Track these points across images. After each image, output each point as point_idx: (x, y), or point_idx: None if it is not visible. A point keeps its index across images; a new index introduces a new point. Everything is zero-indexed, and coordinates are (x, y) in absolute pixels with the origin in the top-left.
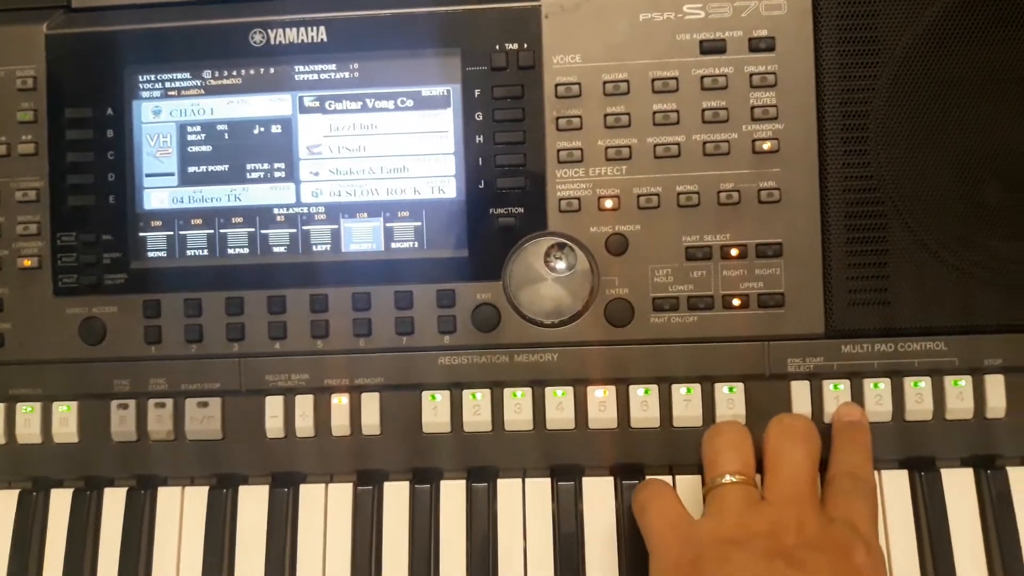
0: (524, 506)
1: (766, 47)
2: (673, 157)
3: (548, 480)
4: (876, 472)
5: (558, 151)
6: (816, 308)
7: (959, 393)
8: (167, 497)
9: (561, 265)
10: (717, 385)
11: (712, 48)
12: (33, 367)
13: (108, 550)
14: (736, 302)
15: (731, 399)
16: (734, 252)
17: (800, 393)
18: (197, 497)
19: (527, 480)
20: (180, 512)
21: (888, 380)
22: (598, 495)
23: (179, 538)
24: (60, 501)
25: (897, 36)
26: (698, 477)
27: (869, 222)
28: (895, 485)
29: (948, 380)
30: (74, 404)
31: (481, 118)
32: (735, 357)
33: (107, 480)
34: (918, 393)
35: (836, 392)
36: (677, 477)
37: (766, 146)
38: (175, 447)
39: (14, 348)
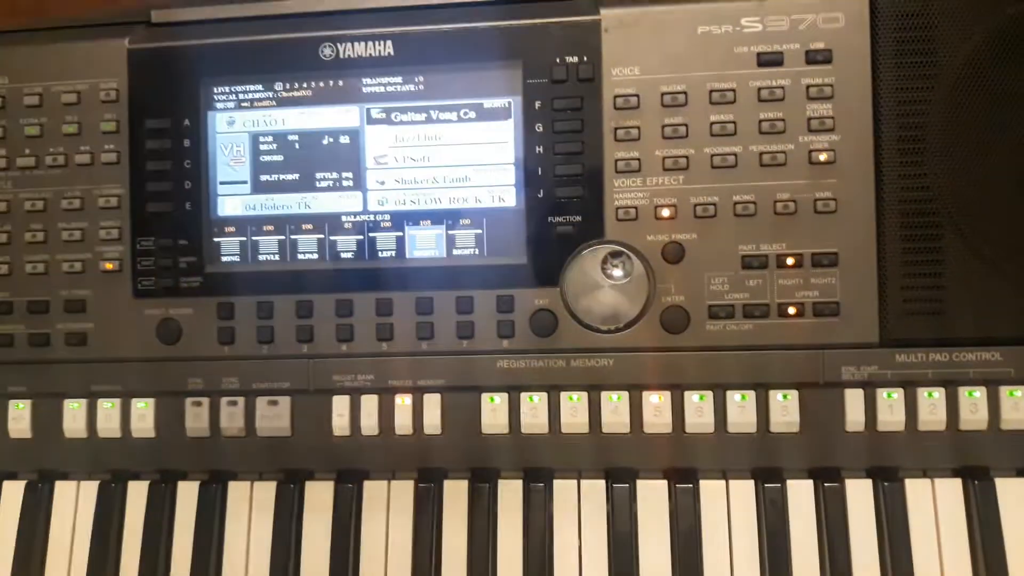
0: (579, 507)
1: (823, 59)
2: (730, 167)
3: (603, 482)
4: (929, 480)
5: (616, 161)
6: (871, 317)
7: (1015, 404)
8: (237, 491)
9: (618, 272)
10: (771, 392)
11: (769, 60)
12: (113, 365)
13: (182, 541)
14: (791, 310)
15: (785, 406)
16: (790, 261)
17: (854, 401)
18: (266, 491)
19: (582, 481)
20: (249, 505)
21: (943, 389)
22: (652, 498)
23: (248, 530)
24: (137, 493)
25: (955, 48)
26: (751, 482)
27: (925, 232)
28: (948, 494)
29: (1003, 390)
30: (151, 401)
31: (541, 129)
32: (790, 365)
33: (181, 474)
34: (973, 403)
35: (890, 401)
36: (731, 482)
37: (822, 157)
38: (245, 443)
39: (96, 347)
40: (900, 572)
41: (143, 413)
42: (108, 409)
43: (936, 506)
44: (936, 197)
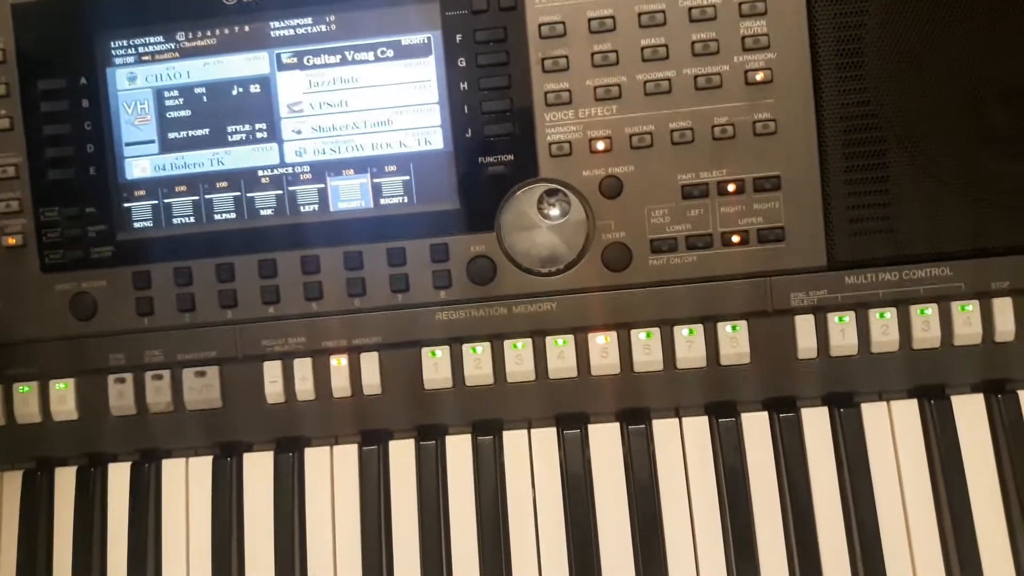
0: (531, 457)
1: None
2: (664, 93)
3: (554, 430)
4: (885, 403)
5: (545, 93)
6: (817, 240)
7: (967, 318)
8: (172, 469)
9: (555, 212)
10: (720, 324)
11: None
12: (26, 346)
13: (117, 525)
14: (736, 239)
15: (735, 338)
16: (731, 188)
17: (805, 327)
18: (202, 468)
19: (533, 431)
20: (186, 484)
21: (894, 309)
22: (605, 442)
23: (187, 510)
24: (65, 479)
25: None
26: (704, 419)
27: (868, 149)
28: (905, 415)
29: (955, 306)
30: (71, 381)
31: (464, 64)
32: (737, 295)
33: (110, 456)
34: (925, 321)
35: (841, 324)
36: (684, 420)
37: (759, 76)
38: (175, 418)
39: (5, 328)
40: (860, 498)
41: (63, 395)
42: (24, 393)
43: (893, 429)
44: (878, 112)
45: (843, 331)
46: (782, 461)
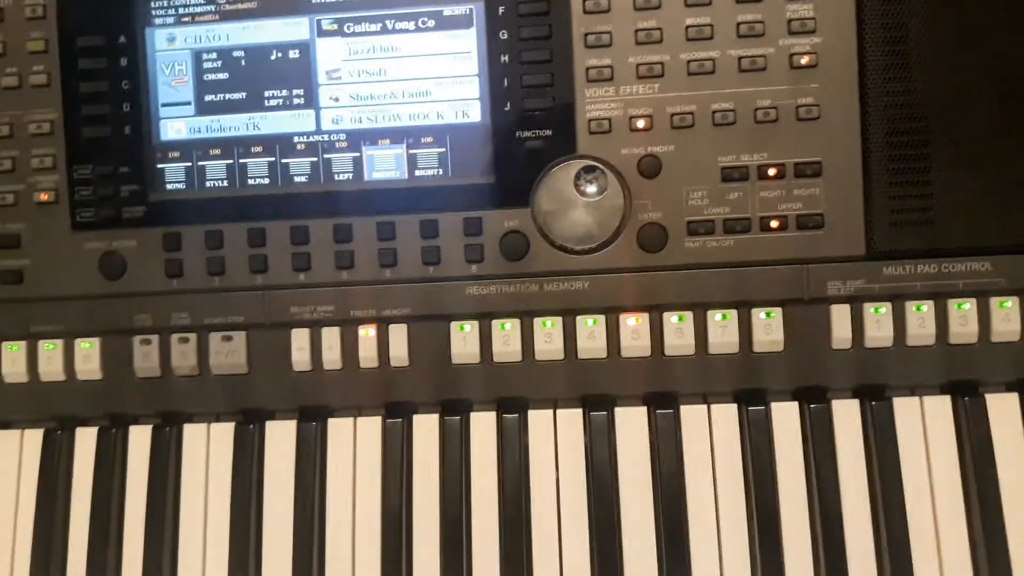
0: (556, 437)
1: None
2: (707, 74)
3: (580, 411)
4: (917, 398)
5: (587, 69)
6: (857, 229)
7: (1005, 314)
8: (193, 434)
9: (591, 189)
10: (754, 310)
11: None
12: (53, 303)
13: (135, 489)
14: (774, 224)
15: (768, 324)
16: (772, 172)
17: (840, 317)
18: (224, 434)
19: (558, 411)
20: (207, 449)
21: (931, 302)
22: (631, 425)
23: (206, 475)
24: (86, 440)
25: None
26: (733, 406)
27: (912, 139)
28: (937, 411)
29: (994, 301)
30: (96, 340)
31: (506, 37)
32: (773, 281)
33: (131, 418)
34: (962, 315)
35: (877, 315)
36: (712, 406)
37: (804, 60)
38: (200, 382)
39: (33, 285)
40: (889, 493)
41: (88, 354)
42: (49, 351)
43: (925, 424)
44: (923, 102)
45: (879, 322)
46: (810, 452)
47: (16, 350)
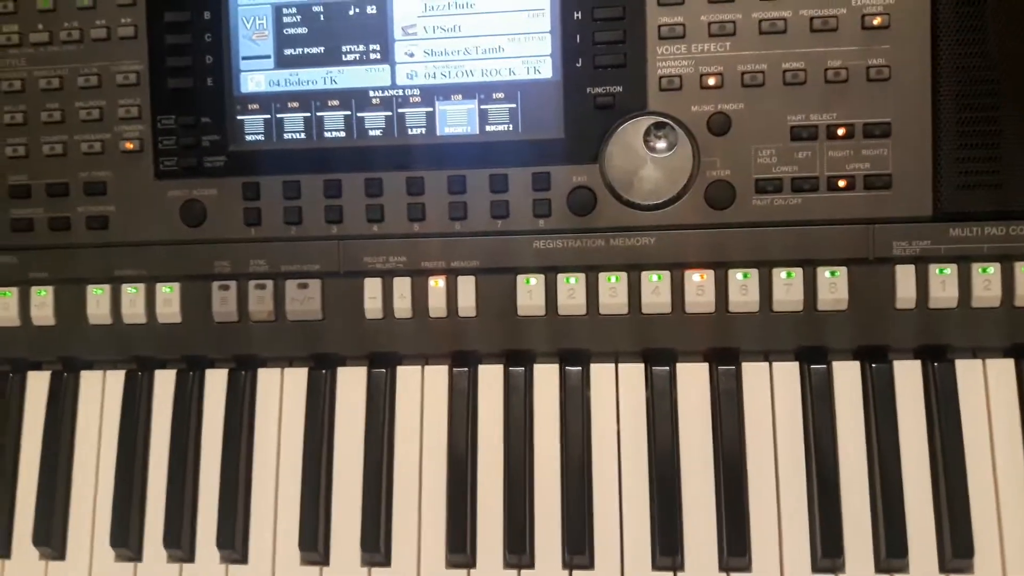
0: (617, 391)
1: None
2: (779, 33)
3: (642, 366)
4: (980, 361)
5: (659, 27)
6: (924, 190)
7: None
8: (267, 378)
9: (661, 145)
10: (819, 269)
11: None
12: (136, 248)
13: (211, 430)
14: (841, 183)
15: (833, 283)
16: (841, 132)
17: (905, 277)
18: (297, 378)
19: (620, 365)
20: (280, 393)
21: (998, 264)
22: (693, 381)
23: (279, 419)
24: (165, 382)
25: None
26: (795, 364)
27: (982, 101)
28: (1000, 374)
29: None
30: (176, 285)
31: None
32: (839, 240)
33: (208, 361)
34: None
35: (942, 276)
36: (773, 364)
37: (876, 21)
38: (275, 328)
39: (118, 230)
40: (950, 455)
41: (168, 298)
42: (132, 294)
43: (988, 387)
44: (996, 64)
45: (944, 283)
46: (871, 412)
47: (100, 293)
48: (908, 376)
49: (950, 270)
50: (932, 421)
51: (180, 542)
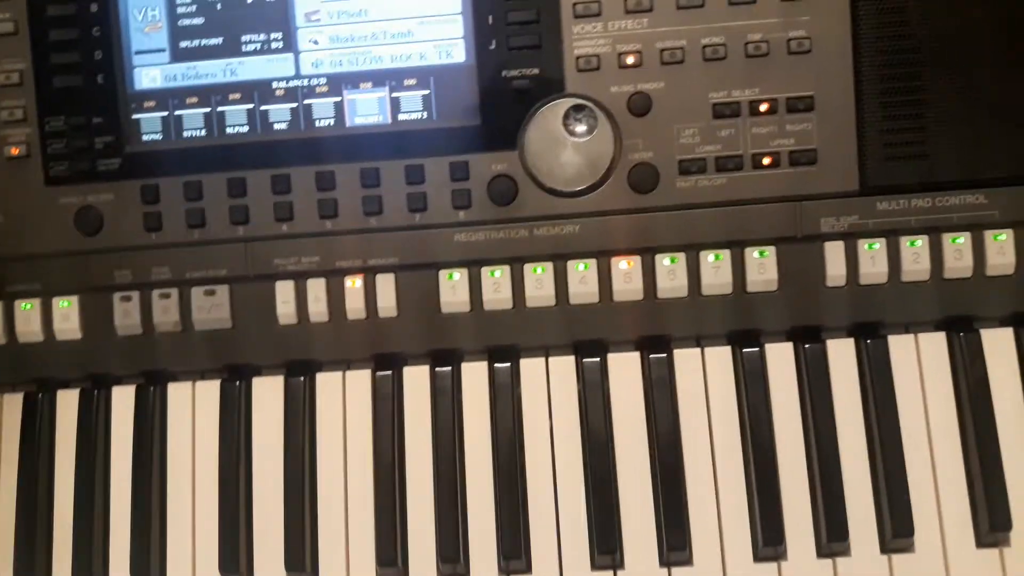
0: (548, 385)
1: None
2: (697, 7)
3: (572, 358)
4: (912, 335)
5: (574, 4)
6: (850, 164)
7: (1000, 248)
8: (178, 393)
9: (581, 128)
10: (748, 249)
11: None
12: (29, 261)
13: (120, 450)
14: (766, 161)
15: (762, 264)
16: (764, 108)
17: (834, 254)
18: (209, 391)
19: (551, 359)
20: (192, 408)
21: (926, 237)
22: (624, 371)
23: (192, 435)
24: (67, 402)
25: None
26: (727, 348)
27: (905, 71)
28: (932, 348)
29: (988, 235)
30: (75, 298)
31: None
32: (766, 219)
33: (114, 378)
34: (957, 249)
35: (871, 251)
36: (705, 349)
37: None
38: (183, 339)
39: (7, 242)
40: (886, 432)
41: (66, 312)
42: (26, 311)
43: (920, 361)
44: (916, 33)
45: (873, 258)
46: (806, 392)
47: None
48: (842, 355)
49: (879, 245)
50: (867, 399)
51: (92, 570)
